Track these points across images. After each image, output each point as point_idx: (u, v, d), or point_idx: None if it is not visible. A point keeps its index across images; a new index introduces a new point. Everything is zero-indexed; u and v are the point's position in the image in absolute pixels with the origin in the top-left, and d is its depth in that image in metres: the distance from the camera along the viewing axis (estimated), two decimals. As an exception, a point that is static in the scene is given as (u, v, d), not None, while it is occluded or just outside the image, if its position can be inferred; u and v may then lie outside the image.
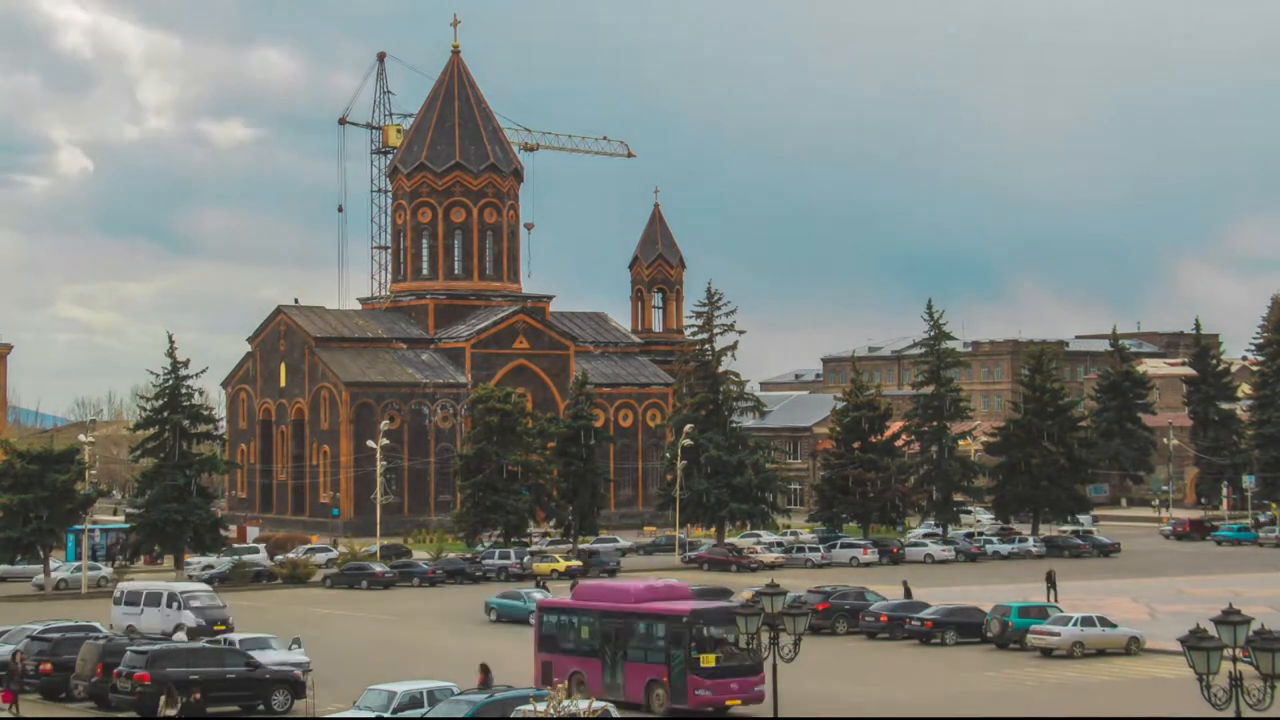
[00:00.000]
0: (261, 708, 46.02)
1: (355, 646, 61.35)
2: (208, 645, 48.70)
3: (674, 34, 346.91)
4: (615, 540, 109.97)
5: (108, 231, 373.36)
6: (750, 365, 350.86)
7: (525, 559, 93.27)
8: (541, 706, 34.88)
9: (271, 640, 52.14)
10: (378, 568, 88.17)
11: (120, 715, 45.43)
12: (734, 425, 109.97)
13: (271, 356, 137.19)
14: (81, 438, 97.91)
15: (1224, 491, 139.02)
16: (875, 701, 47.74)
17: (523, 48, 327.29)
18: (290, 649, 51.71)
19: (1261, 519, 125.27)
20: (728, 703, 43.96)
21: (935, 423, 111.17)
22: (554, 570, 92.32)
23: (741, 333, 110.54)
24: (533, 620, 51.95)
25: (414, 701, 41.37)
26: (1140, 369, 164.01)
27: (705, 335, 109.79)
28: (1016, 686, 50.70)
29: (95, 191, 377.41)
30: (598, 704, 36.93)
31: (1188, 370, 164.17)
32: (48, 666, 48.94)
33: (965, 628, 60.70)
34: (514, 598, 70.50)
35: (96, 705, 46.92)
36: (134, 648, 46.41)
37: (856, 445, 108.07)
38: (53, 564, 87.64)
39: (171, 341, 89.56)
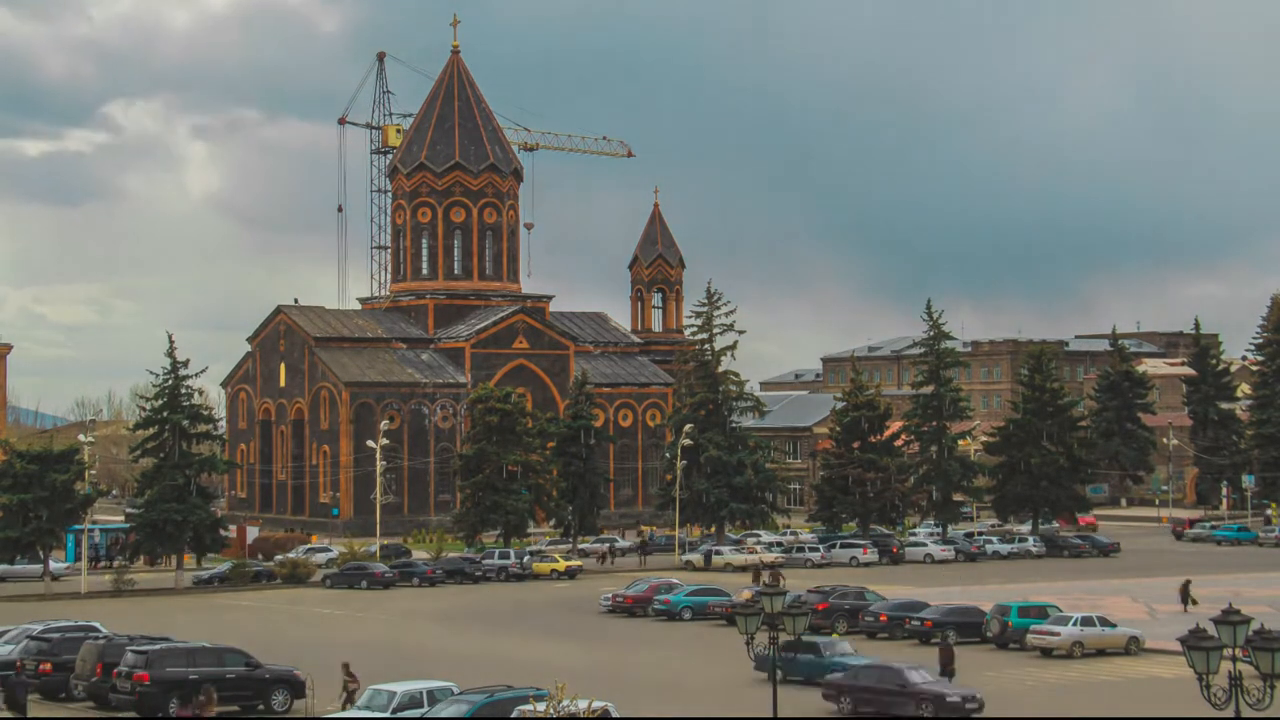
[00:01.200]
0: (261, 707, 46.03)
1: (355, 646, 61.31)
2: (207, 645, 48.70)
3: (675, 33, 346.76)
4: (614, 540, 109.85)
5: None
6: (750, 365, 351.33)
7: (525, 559, 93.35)
8: (541, 706, 34.89)
9: None
10: (377, 568, 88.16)
11: (120, 715, 45.43)
12: (734, 425, 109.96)
13: (271, 356, 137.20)
14: (81, 438, 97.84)
15: (1224, 491, 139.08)
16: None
17: (523, 48, 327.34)
18: None
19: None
20: None
21: (935, 423, 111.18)
22: (554, 570, 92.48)
23: (741, 332, 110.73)
24: None
25: (414, 701, 41.38)
26: (1140, 369, 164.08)
27: (705, 335, 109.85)
28: (1016, 686, 50.69)
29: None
30: (598, 704, 36.92)
31: (1187, 370, 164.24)
32: (48, 666, 48.92)
33: (965, 627, 60.66)
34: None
35: (96, 705, 46.93)
36: (134, 648, 46.43)
37: (856, 445, 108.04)
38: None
39: (171, 341, 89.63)
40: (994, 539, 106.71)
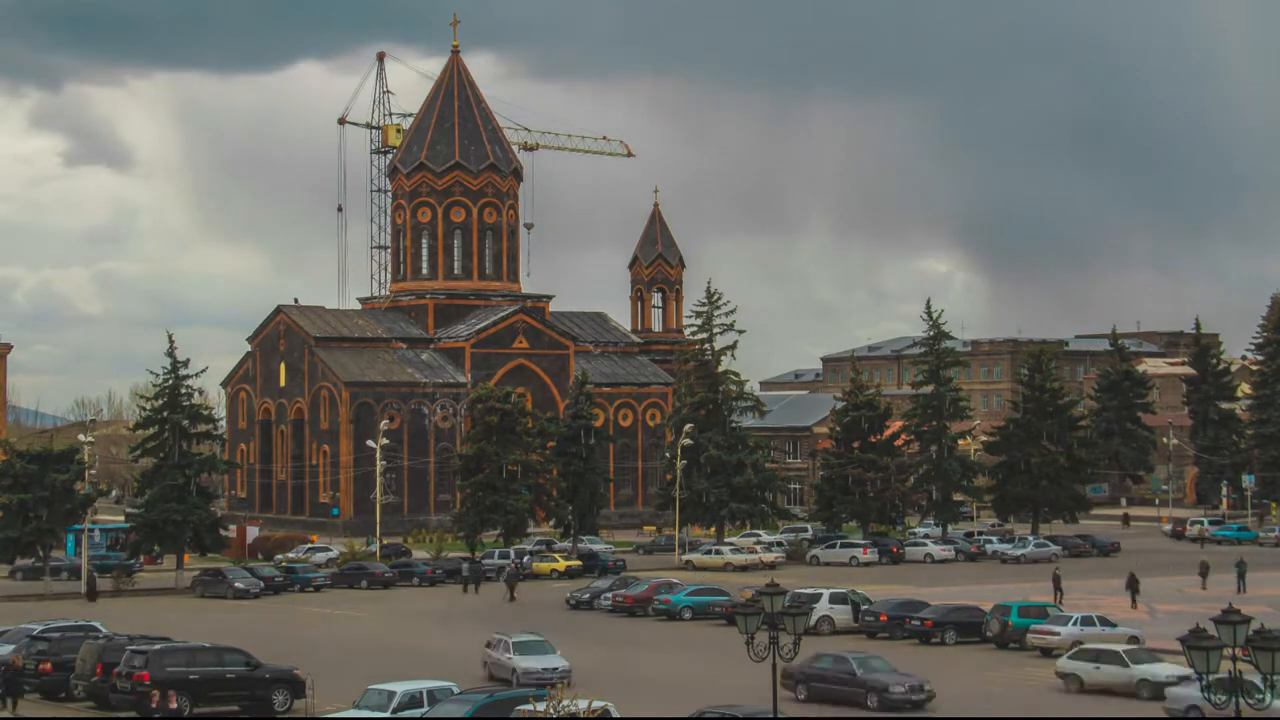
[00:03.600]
0: (261, 707, 45.99)
1: (355, 646, 61.34)
2: (207, 645, 48.71)
3: (675, 33, 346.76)
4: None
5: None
6: (750, 365, 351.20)
7: (525, 559, 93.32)
8: (541, 706, 34.92)
9: None
10: (377, 567, 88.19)
11: (120, 715, 45.44)
12: (734, 425, 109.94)
13: (271, 356, 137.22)
14: (81, 438, 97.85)
15: (1224, 491, 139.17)
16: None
17: (523, 47, 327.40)
18: None
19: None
20: None
21: (935, 422, 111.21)
22: (554, 570, 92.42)
23: (741, 332, 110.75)
24: None
25: (414, 701, 41.41)
26: (1140, 368, 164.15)
27: (705, 335, 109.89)
28: (1016, 686, 50.69)
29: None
30: (598, 703, 36.93)
31: (1188, 370, 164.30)
32: (48, 666, 48.94)
33: (965, 627, 60.69)
34: None
35: (96, 705, 46.95)
36: (134, 648, 46.44)
37: (856, 445, 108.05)
38: None
39: (171, 341, 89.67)
40: (994, 538, 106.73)
